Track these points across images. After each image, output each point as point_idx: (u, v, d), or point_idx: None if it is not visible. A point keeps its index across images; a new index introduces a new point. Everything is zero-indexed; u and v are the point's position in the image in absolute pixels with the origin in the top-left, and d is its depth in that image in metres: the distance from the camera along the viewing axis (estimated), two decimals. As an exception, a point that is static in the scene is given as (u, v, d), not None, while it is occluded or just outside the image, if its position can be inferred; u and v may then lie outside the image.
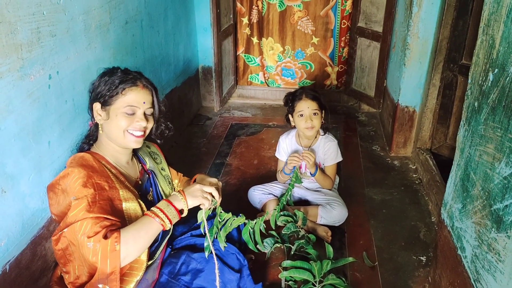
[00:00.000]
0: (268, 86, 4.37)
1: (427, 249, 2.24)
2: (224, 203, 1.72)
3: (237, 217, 1.76)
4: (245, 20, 4.08)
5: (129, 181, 1.60)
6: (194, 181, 1.81)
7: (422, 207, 2.60)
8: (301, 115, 2.34)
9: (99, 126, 1.55)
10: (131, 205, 1.52)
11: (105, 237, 1.34)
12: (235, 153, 3.26)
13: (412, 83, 2.96)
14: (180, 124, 3.48)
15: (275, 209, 2.07)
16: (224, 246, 1.71)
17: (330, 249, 2.00)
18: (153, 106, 1.61)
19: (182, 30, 3.36)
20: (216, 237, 1.70)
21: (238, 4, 4.02)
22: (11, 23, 1.40)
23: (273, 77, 4.34)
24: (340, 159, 2.48)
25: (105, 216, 1.38)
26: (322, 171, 2.45)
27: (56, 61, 1.67)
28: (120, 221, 1.44)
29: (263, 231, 1.88)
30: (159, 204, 1.49)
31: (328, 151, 2.43)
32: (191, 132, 3.58)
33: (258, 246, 1.98)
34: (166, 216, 1.46)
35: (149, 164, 1.77)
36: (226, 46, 3.95)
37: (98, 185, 1.43)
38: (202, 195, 1.54)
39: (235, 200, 2.61)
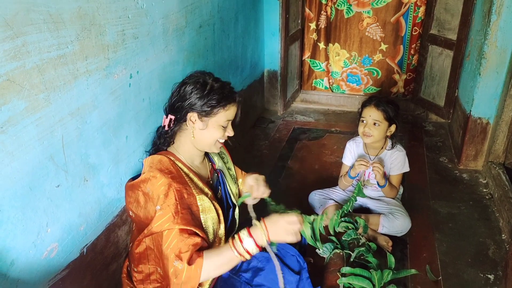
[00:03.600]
0: (332, 91, 4.34)
1: (495, 268, 2.13)
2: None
3: (290, 211, 1.75)
4: (313, 26, 4.09)
5: (202, 181, 1.67)
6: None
7: (492, 224, 2.47)
8: (363, 121, 2.33)
9: (189, 132, 1.63)
10: (207, 211, 1.60)
11: (190, 262, 1.42)
12: (296, 157, 3.28)
13: (487, 94, 2.83)
14: (244, 126, 3.55)
15: (335, 214, 2.05)
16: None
17: (391, 259, 1.97)
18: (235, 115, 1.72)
19: (251, 34, 3.43)
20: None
21: (307, 10, 4.04)
22: (100, 25, 1.52)
23: (338, 83, 4.31)
24: (407, 169, 2.43)
25: (188, 227, 1.46)
26: (389, 181, 2.41)
27: (137, 61, 1.78)
28: (201, 231, 1.52)
29: (322, 232, 1.84)
30: (242, 235, 1.49)
31: (396, 160, 2.39)
32: (253, 134, 3.65)
33: (317, 250, 1.99)
34: (247, 251, 1.48)
35: (218, 163, 1.85)
36: (292, 51, 3.99)
37: (179, 192, 1.51)
38: (287, 237, 1.50)
39: (295, 204, 2.57)
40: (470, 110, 2.92)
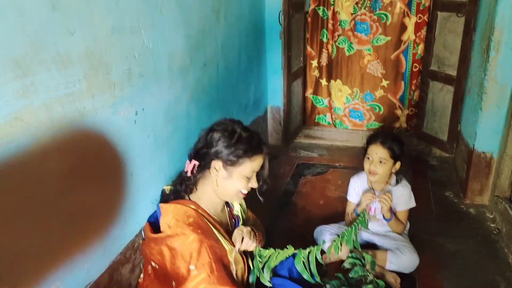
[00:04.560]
0: (335, 127, 4.37)
1: (507, 306, 2.07)
2: (288, 242, 1.73)
3: (282, 250, 1.73)
4: (315, 63, 4.17)
5: (223, 228, 1.66)
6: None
7: (501, 260, 2.42)
8: (368, 158, 2.33)
9: (212, 180, 1.61)
10: (237, 262, 1.59)
11: None
12: (300, 192, 3.26)
13: (489, 128, 2.84)
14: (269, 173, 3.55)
15: (335, 241, 1.98)
16: (270, 285, 1.68)
17: (400, 297, 1.92)
18: (261, 167, 1.69)
19: (254, 72, 3.50)
20: (259, 276, 1.67)
21: (309, 48, 4.13)
22: (107, 64, 1.56)
23: (341, 118, 4.34)
24: (413, 204, 2.41)
25: (226, 287, 1.45)
26: (395, 216, 2.39)
27: (142, 99, 1.81)
28: (235, 285, 1.50)
29: (320, 261, 1.81)
30: None
31: (401, 196, 2.38)
32: (257, 170, 3.64)
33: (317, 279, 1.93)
34: None
35: (235, 208, 1.84)
36: (295, 88, 4.04)
37: (211, 249, 1.49)
38: None
39: (300, 240, 2.57)
40: (474, 145, 2.92)
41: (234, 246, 1.62)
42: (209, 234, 1.53)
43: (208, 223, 1.59)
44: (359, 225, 2.17)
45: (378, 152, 2.29)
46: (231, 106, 3.01)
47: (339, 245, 1.90)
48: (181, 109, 2.20)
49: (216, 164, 1.58)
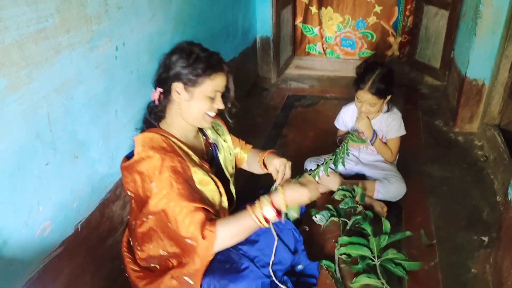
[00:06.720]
0: (327, 56, 4.28)
1: (489, 230, 2.15)
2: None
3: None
4: (305, -11, 3.98)
5: (197, 155, 1.64)
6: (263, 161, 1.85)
7: (487, 186, 2.48)
8: (359, 100, 2.31)
9: (176, 104, 1.57)
10: (204, 183, 1.56)
11: (203, 236, 1.40)
12: (291, 124, 3.25)
13: (482, 55, 2.78)
14: (237, 95, 3.50)
15: (325, 159, 1.92)
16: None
17: (387, 224, 1.98)
18: (227, 89, 1.64)
19: (241, 0, 3.34)
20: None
21: (298, -28, 3.93)
22: (81, -4, 1.46)
23: (332, 47, 4.23)
24: (403, 132, 2.42)
25: (186, 202, 1.44)
26: (379, 139, 2.41)
27: (122, 33, 1.73)
28: (202, 203, 1.49)
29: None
30: (262, 201, 1.48)
31: (392, 123, 2.38)
32: (247, 102, 3.60)
33: (313, 217, 1.98)
34: (266, 218, 1.46)
35: (211, 136, 1.81)
36: (284, 16, 3.89)
37: (173, 168, 1.47)
38: (303, 200, 1.53)
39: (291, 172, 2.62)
40: (466, 72, 2.88)
41: (207, 169, 1.62)
42: (172, 154, 1.52)
43: (175, 145, 1.57)
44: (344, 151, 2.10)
45: (366, 99, 2.25)
46: (217, 38, 2.91)
47: (331, 164, 1.89)
48: (165, 42, 2.11)
49: (177, 86, 1.55)
